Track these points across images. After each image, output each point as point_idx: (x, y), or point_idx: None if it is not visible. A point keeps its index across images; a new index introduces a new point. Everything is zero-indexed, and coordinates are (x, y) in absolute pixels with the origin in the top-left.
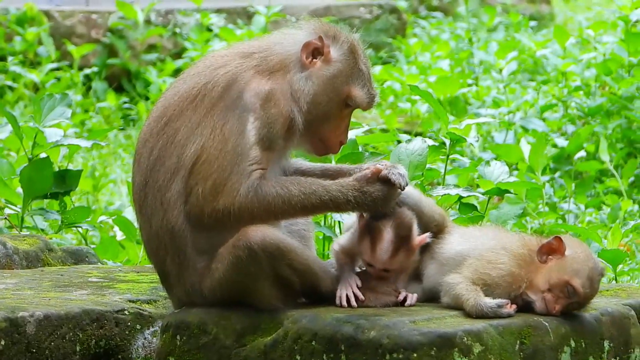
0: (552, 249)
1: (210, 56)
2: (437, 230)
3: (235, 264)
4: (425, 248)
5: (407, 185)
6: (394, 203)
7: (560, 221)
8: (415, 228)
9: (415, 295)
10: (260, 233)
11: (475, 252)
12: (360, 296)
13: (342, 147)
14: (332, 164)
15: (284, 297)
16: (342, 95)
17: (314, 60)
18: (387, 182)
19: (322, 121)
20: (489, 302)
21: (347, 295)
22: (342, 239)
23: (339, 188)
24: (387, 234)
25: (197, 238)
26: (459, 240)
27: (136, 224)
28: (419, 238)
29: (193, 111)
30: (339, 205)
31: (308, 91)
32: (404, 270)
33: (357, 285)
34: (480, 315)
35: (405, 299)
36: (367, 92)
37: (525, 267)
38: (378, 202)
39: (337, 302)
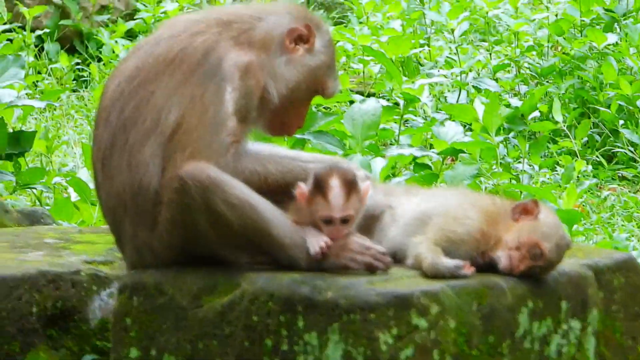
0: (527, 210)
1: (183, 20)
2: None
3: (171, 199)
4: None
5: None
6: None
7: (514, 181)
8: (358, 174)
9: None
10: (192, 164)
11: (440, 209)
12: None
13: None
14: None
15: (224, 244)
16: (318, 86)
17: (296, 46)
18: None
19: (291, 105)
20: (447, 262)
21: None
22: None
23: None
24: (335, 181)
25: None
26: (422, 201)
27: (91, 185)
28: (364, 185)
29: (170, 76)
30: None
31: (290, 77)
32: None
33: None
34: (436, 274)
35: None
36: (337, 84)
37: (494, 225)
38: None
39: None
